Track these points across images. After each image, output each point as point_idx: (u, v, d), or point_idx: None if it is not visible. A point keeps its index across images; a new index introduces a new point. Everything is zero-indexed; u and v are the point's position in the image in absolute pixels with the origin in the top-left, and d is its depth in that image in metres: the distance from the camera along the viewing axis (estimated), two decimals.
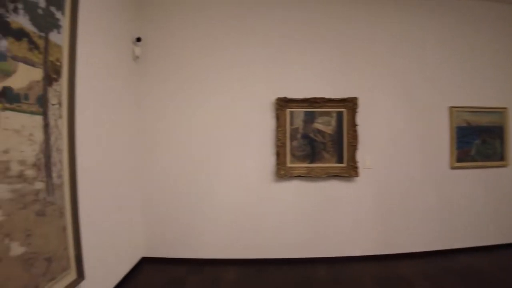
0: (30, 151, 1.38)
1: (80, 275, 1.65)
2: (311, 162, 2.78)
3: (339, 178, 2.76)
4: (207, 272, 2.54)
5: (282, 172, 2.71)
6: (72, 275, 1.60)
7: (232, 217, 2.72)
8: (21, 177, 1.31)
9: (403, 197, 2.80)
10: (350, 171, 2.75)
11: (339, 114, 2.79)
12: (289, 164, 2.76)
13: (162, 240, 2.71)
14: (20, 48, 1.31)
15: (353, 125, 2.75)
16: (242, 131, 2.72)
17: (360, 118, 2.75)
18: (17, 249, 1.25)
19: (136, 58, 2.55)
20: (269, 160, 2.72)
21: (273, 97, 2.71)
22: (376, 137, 2.78)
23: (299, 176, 2.73)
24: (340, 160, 2.79)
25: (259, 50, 2.71)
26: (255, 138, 2.72)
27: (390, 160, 2.79)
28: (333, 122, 2.79)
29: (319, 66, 2.75)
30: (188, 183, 2.69)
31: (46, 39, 1.47)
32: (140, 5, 2.63)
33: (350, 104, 2.74)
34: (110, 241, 2.10)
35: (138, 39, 2.52)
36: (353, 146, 2.74)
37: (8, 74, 1.25)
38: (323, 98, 2.73)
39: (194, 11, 2.67)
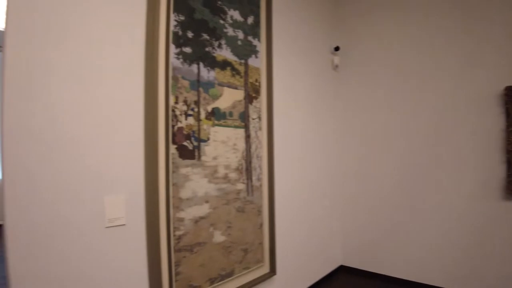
0: (234, 158, 1.68)
1: (273, 270, 1.82)
2: None
3: None
4: None
5: None
6: (265, 269, 1.80)
7: (438, 238, 2.13)
8: (225, 178, 1.62)
9: None
10: None
11: None
12: None
13: (359, 250, 2.54)
14: (225, 76, 1.63)
15: None
16: (455, 133, 2.06)
17: None
18: (219, 237, 1.55)
19: (335, 67, 2.53)
20: (496, 170, 1.88)
21: (500, 86, 1.84)
22: None
23: None
24: None
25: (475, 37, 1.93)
26: (474, 141, 1.98)
27: None
28: None
29: None
30: (389, 192, 2.34)
31: (246, 65, 1.75)
32: (337, 15, 2.60)
33: None
34: (305, 243, 2.18)
35: (337, 48, 2.49)
36: None
37: (216, 97, 1.59)
38: None
39: (391, 16, 2.31)
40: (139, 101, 1.25)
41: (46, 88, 0.98)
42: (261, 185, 1.83)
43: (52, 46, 1.00)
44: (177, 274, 1.32)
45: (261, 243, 1.79)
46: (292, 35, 2.14)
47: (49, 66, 0.99)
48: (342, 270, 2.60)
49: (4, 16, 0.92)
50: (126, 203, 1.18)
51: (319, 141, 2.40)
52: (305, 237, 2.20)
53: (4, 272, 0.92)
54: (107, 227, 1.11)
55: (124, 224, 1.17)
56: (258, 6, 1.83)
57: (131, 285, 1.17)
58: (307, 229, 2.23)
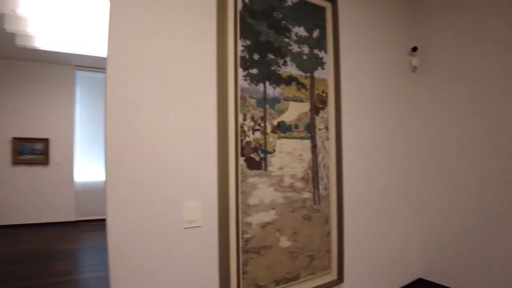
0: (300, 168, 1.77)
1: (340, 277, 1.84)
2: None
3: None
4: None
5: None
6: (332, 276, 1.83)
7: None
8: (291, 187, 1.72)
9: None
10: None
11: None
12: None
13: (442, 263, 2.29)
14: (290, 90, 1.74)
15: None
16: None
17: None
18: (285, 242, 1.66)
19: (413, 68, 2.35)
20: None
21: None
22: None
23: None
24: None
25: None
26: None
27: None
28: None
29: None
30: (478, 200, 2.05)
31: (312, 77, 1.82)
32: (415, 13, 2.40)
33: None
34: (377, 252, 2.11)
35: (414, 49, 2.31)
36: None
37: (282, 112, 1.70)
38: None
39: (478, 11, 2.02)
40: (213, 121, 1.45)
41: (138, 108, 1.26)
42: (328, 194, 1.87)
43: (143, 73, 1.27)
44: (244, 273, 1.49)
45: (328, 251, 1.83)
46: (363, 39, 2.10)
47: (140, 88, 1.27)
48: (420, 284, 2.41)
49: (107, 46, 1.22)
50: (201, 208, 1.40)
51: (394, 148, 2.28)
52: (378, 246, 2.13)
53: (105, 259, 1.21)
54: (185, 228, 1.34)
55: (199, 226, 1.38)
56: (324, 19, 1.87)
57: (203, 278, 1.38)
58: (379, 237, 2.15)
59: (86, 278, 3.33)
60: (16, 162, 5.46)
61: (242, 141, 1.54)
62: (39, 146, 5.60)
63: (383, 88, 2.23)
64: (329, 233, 1.84)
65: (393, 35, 2.30)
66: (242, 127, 1.54)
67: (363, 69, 2.10)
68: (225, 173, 1.46)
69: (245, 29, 1.55)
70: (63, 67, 5.74)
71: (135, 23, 1.26)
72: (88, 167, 5.83)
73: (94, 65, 5.67)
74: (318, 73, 1.84)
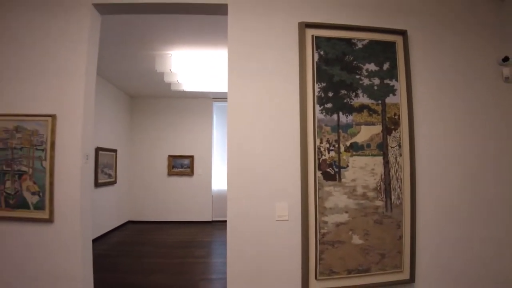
0: (372, 180, 2.13)
1: (412, 278, 2.09)
2: None
3: None
4: None
5: None
6: (403, 275, 2.08)
7: None
8: (363, 196, 2.11)
9: None
10: None
11: None
12: None
13: None
14: (362, 117, 2.12)
15: None
16: None
17: None
18: (357, 240, 2.06)
19: (506, 79, 2.30)
20: None
21: None
22: None
23: None
24: None
25: None
26: None
27: None
28: None
29: None
30: None
31: (383, 103, 2.15)
32: (506, 19, 2.32)
33: None
34: (454, 260, 2.20)
35: (505, 59, 2.26)
36: None
37: (354, 134, 2.11)
38: None
39: None
40: (297, 145, 2.01)
41: (245, 136, 1.94)
42: (401, 203, 2.15)
43: (249, 110, 1.95)
44: (320, 259, 1.98)
45: (399, 252, 2.11)
46: (439, 59, 2.24)
47: (246, 121, 1.95)
48: None
49: (228, 91, 1.94)
50: (288, 207, 1.98)
51: (477, 161, 2.31)
52: (454, 253, 2.22)
53: (225, 250, 1.92)
54: (277, 220, 1.95)
55: (287, 220, 1.97)
56: (394, 52, 2.15)
57: (290, 256, 1.95)
58: (457, 245, 2.23)
59: (215, 261, 4.62)
60: (170, 173, 7.55)
61: (319, 159, 2.04)
62: (186, 161, 7.54)
63: (466, 102, 2.29)
64: (400, 237, 2.12)
65: (477, 48, 2.32)
66: (319, 148, 2.04)
67: (443, 87, 2.24)
68: (305, 183, 1.99)
69: (321, 75, 2.05)
70: (203, 100, 7.60)
71: (243, 69, 1.98)
72: (222, 177, 7.46)
73: (227, 96, 7.37)
74: (389, 99, 2.15)
